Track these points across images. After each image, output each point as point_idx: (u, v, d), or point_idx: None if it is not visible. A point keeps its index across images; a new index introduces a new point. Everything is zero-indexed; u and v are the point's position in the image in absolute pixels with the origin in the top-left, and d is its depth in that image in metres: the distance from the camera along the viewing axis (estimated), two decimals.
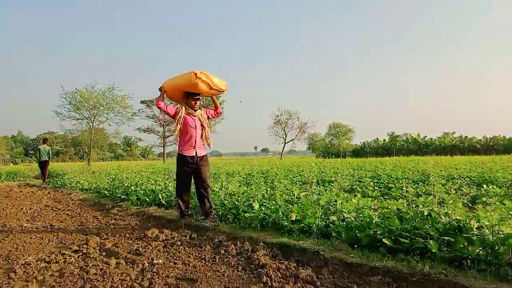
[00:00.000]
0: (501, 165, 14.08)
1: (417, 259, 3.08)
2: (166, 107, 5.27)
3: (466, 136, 61.64)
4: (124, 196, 8.65)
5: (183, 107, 5.32)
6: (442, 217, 3.55)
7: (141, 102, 44.58)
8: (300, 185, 8.44)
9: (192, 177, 5.42)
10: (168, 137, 44.11)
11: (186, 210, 5.56)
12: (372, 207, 4.53)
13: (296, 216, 4.51)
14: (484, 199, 6.52)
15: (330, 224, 4.19)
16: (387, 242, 3.33)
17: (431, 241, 3.11)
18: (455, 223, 3.31)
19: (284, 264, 3.36)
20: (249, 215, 4.93)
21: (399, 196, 6.90)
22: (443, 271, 2.77)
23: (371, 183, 8.95)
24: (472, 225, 3.14)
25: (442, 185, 8.16)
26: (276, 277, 3.04)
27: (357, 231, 3.81)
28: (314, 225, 4.19)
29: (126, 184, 10.08)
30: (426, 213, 3.79)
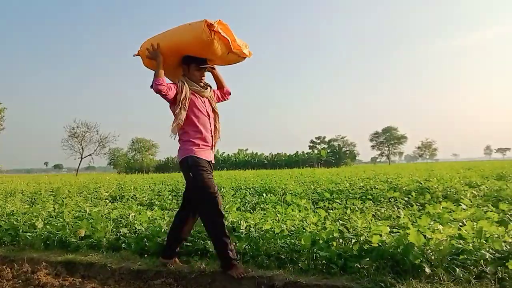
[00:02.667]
0: (279, 177, 16.69)
1: (197, 259, 3.48)
2: (169, 88, 3.21)
3: (256, 153, 70.20)
4: None
5: (185, 83, 3.32)
6: None
7: None
8: (95, 201, 8.09)
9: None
10: None
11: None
12: (165, 217, 4.81)
13: (85, 231, 4.37)
14: (262, 205, 7.72)
15: (121, 237, 4.25)
16: None
17: (209, 242, 3.57)
18: (230, 225, 3.88)
19: (69, 280, 3.27)
20: (30, 235, 4.49)
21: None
22: (217, 266, 3.23)
23: (170, 197, 9.31)
24: (241, 225, 3.75)
25: (232, 195, 9.21)
26: None
27: (146, 241, 3.99)
28: (104, 239, 4.17)
29: None
30: None
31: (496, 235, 3.10)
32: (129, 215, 4.93)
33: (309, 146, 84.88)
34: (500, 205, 4.93)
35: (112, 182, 15.54)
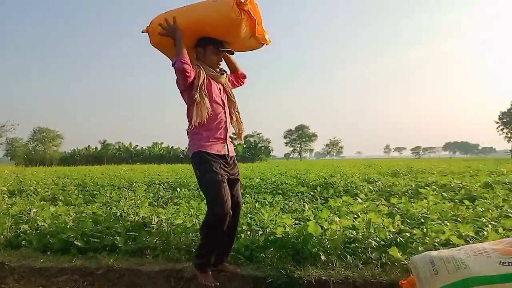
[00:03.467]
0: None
1: (105, 255, 3.43)
2: (192, 69, 2.75)
3: (172, 147, 68.84)
4: None
5: (201, 67, 2.87)
6: (132, 216, 4.06)
7: None
8: None
9: None
10: None
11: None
12: (71, 213, 4.61)
13: None
14: (176, 200, 7.70)
15: (21, 234, 4.00)
16: (79, 243, 3.54)
17: (118, 238, 3.54)
18: (141, 220, 3.88)
19: None
20: None
21: (102, 202, 7.16)
22: (126, 261, 3.23)
23: (75, 191, 8.82)
24: (153, 220, 3.78)
25: (144, 190, 9.03)
26: None
27: (50, 237, 3.81)
28: (2, 236, 3.90)
29: None
30: (118, 214, 4.22)
31: (382, 226, 3.55)
32: (30, 211, 4.63)
33: None
34: (391, 199, 5.56)
35: (10, 175, 14.22)
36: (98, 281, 3.05)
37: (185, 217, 3.88)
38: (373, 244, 3.25)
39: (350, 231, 3.47)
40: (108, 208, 4.85)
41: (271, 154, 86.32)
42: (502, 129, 73.31)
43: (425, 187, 7.55)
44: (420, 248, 3.07)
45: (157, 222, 3.78)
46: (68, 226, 3.93)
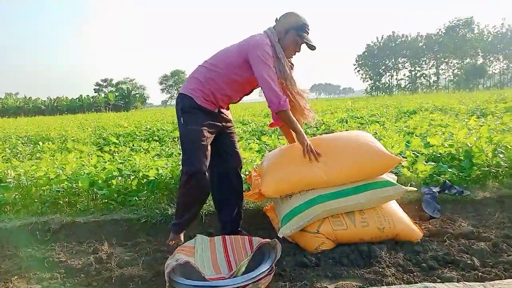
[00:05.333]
0: (60, 124, 15.20)
1: None
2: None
3: (30, 97, 60.84)
4: None
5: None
6: None
7: None
8: None
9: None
10: None
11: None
12: None
13: None
14: (38, 154, 7.02)
15: None
16: None
17: None
18: None
19: None
20: None
21: None
22: None
23: None
24: (9, 174, 3.43)
25: None
26: None
27: None
28: None
29: None
30: None
31: (250, 160, 3.82)
32: None
33: (94, 89, 78.95)
34: (262, 138, 5.97)
35: None
36: None
37: (48, 169, 3.60)
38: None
39: None
40: None
41: (147, 102, 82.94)
42: (358, 71, 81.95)
43: None
44: None
45: (13, 177, 3.44)
46: None
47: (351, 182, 2.30)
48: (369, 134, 2.60)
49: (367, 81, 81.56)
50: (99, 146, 8.14)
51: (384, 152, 2.34)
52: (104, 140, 9.01)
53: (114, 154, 5.65)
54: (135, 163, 3.63)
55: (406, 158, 3.42)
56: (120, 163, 3.84)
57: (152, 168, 3.34)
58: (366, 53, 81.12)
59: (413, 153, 3.67)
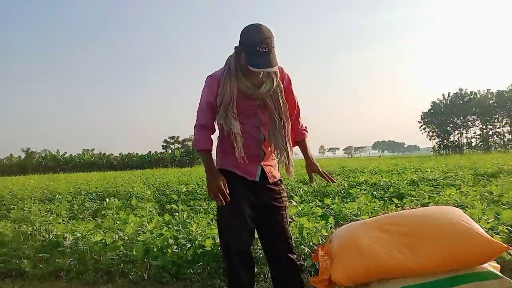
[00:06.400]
0: (128, 179, 15.81)
1: (9, 281, 2.99)
2: None
3: (104, 153, 65.42)
4: None
5: None
6: (44, 234, 3.61)
7: None
8: None
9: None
10: None
11: None
12: None
13: None
14: (103, 211, 7.15)
15: None
16: None
17: (25, 261, 3.11)
18: (53, 239, 3.45)
19: None
20: None
21: (20, 217, 6.45)
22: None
23: None
24: (67, 238, 3.37)
25: (68, 202, 8.32)
26: None
27: None
28: None
29: None
30: (29, 233, 3.74)
31: (315, 230, 3.48)
32: None
33: (162, 146, 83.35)
34: (325, 200, 5.59)
35: None
36: None
37: (105, 232, 3.52)
38: (306, 251, 3.16)
39: None
40: (17, 226, 4.31)
41: None
42: (424, 128, 78.77)
43: (356, 187, 7.75)
44: None
45: (72, 241, 3.38)
46: None
47: (444, 272, 1.86)
48: (460, 210, 2.17)
49: (434, 139, 77.99)
50: (161, 203, 8.16)
51: (486, 238, 1.88)
52: (166, 197, 9.07)
53: (174, 213, 5.55)
54: (191, 231, 3.42)
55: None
56: (177, 230, 3.66)
57: (208, 238, 3.11)
58: (432, 111, 78.37)
59: (506, 229, 3.11)
